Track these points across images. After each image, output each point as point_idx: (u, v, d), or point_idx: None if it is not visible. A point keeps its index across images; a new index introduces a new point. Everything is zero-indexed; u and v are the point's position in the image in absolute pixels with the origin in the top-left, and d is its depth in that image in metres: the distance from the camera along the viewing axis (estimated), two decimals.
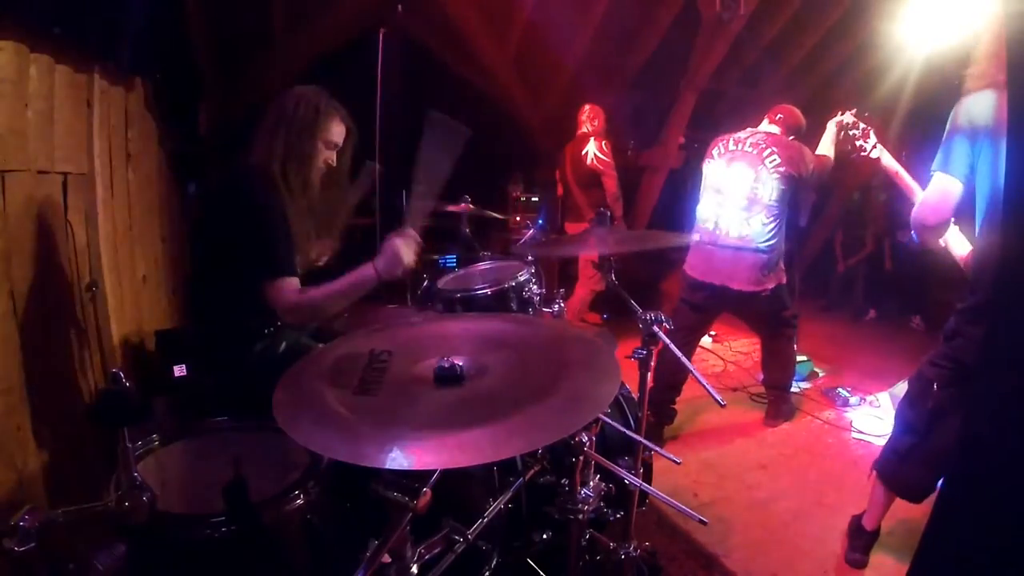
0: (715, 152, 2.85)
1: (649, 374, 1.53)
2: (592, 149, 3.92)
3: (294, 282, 1.62)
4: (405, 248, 1.65)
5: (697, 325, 2.99)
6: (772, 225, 2.70)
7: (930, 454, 1.72)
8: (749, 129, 2.85)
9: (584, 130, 4.06)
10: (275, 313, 1.75)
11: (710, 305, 2.89)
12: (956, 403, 1.62)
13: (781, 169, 2.65)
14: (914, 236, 1.73)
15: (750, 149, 2.74)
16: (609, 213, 1.79)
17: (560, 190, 4.41)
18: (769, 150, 2.69)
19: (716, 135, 2.93)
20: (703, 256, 2.82)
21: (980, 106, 1.55)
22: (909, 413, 1.80)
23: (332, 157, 1.79)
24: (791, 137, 2.78)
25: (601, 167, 3.91)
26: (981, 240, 1.59)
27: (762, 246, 2.70)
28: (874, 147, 2.20)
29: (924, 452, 1.74)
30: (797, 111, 2.84)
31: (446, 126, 1.63)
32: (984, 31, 1.61)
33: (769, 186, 2.67)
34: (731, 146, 2.80)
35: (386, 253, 1.64)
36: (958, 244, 1.73)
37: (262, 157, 1.68)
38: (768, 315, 2.94)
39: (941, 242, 1.75)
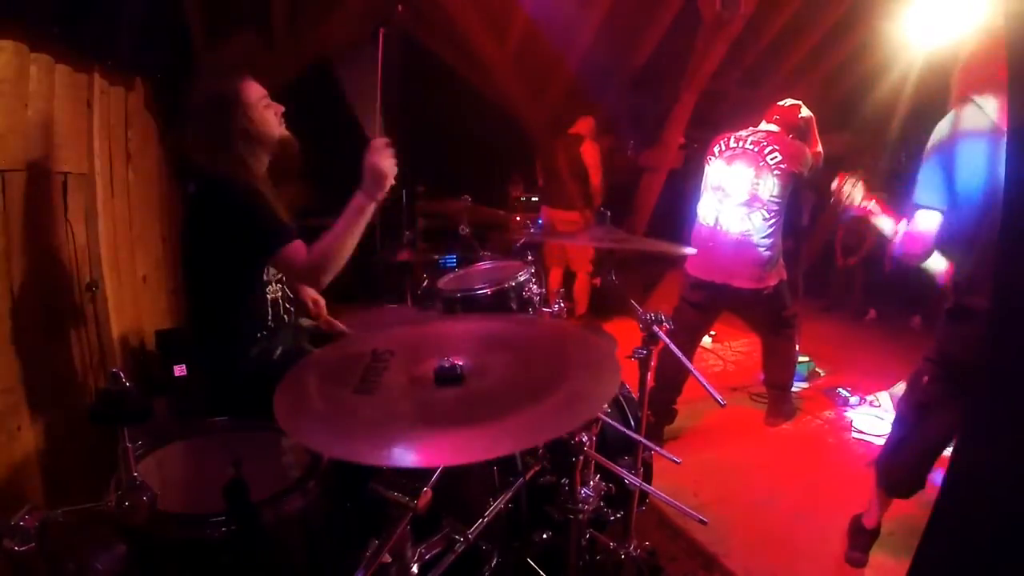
0: (716, 150, 2.86)
1: (649, 374, 1.54)
2: (587, 148, 4.47)
3: (300, 245, 1.59)
4: (382, 160, 1.61)
5: (698, 324, 2.98)
6: (772, 221, 2.71)
7: (917, 448, 1.80)
8: (750, 128, 2.85)
9: (579, 133, 4.50)
10: (267, 317, 1.74)
11: (711, 304, 2.89)
12: (943, 398, 1.71)
13: (783, 166, 2.66)
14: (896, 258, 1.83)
15: (751, 147, 2.75)
16: (606, 212, 1.80)
17: (541, 181, 4.84)
18: (770, 148, 2.70)
19: (716, 135, 2.93)
20: (704, 254, 2.82)
21: (947, 123, 1.65)
22: (903, 407, 1.89)
23: (278, 108, 1.74)
24: (791, 136, 2.79)
25: (591, 163, 4.44)
26: (964, 248, 1.66)
27: (763, 242, 2.71)
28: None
29: (912, 446, 1.82)
30: (794, 108, 2.85)
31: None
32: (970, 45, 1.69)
33: (770, 183, 2.68)
34: (732, 144, 2.81)
35: (368, 173, 1.61)
36: (936, 263, 1.80)
37: (219, 160, 1.64)
38: (769, 314, 2.94)
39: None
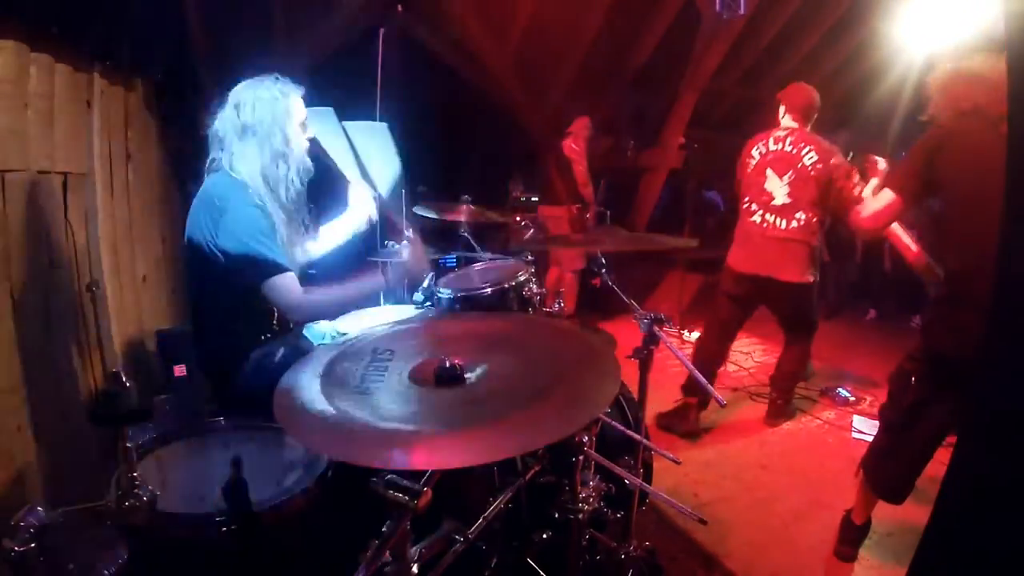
0: (755, 152, 2.90)
1: (648, 374, 1.54)
2: (568, 142, 4.49)
3: (292, 277, 1.60)
4: (414, 258, 1.67)
5: (736, 318, 3.03)
6: (816, 220, 2.78)
7: (909, 455, 1.76)
8: (784, 127, 2.87)
9: (570, 131, 4.52)
10: (271, 320, 1.74)
11: (751, 298, 2.96)
12: (932, 396, 1.69)
13: (819, 167, 2.71)
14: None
15: (790, 148, 2.80)
16: (606, 212, 1.80)
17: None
18: (807, 148, 2.75)
19: (749, 138, 2.95)
20: (751, 248, 2.88)
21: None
22: (889, 411, 1.86)
23: (309, 133, 1.76)
24: (809, 128, 2.84)
25: (572, 156, 4.42)
26: (954, 239, 1.66)
27: (810, 239, 2.78)
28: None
29: (904, 453, 1.77)
30: (800, 91, 2.87)
31: (369, 131, 1.66)
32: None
33: (810, 184, 2.73)
34: (772, 146, 2.85)
35: (399, 263, 1.66)
36: (905, 236, 1.91)
37: (241, 166, 1.64)
38: (799, 310, 2.97)
39: (895, 230, 1.93)
